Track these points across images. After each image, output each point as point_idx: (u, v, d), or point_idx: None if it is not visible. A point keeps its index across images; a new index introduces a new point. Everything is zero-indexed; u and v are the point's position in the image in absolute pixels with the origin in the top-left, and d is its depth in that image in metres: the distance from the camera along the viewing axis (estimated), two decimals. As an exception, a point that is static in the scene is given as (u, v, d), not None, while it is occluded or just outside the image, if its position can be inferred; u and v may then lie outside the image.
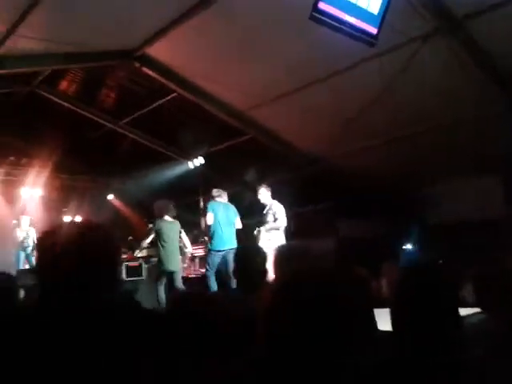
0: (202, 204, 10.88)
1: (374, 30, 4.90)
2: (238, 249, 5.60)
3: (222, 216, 7.59)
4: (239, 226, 7.75)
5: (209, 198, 9.10)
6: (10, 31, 5.91)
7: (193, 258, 11.18)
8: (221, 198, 7.89)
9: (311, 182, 9.38)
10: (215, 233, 7.52)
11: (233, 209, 7.87)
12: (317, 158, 9.33)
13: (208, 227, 7.69)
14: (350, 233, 9.56)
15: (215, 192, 7.94)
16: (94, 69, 8.18)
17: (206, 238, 10.31)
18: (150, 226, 8.36)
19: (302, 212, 10.51)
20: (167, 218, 7.87)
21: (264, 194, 7.89)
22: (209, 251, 7.78)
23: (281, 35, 6.19)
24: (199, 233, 11.42)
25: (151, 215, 8.97)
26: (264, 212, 7.80)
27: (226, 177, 11.62)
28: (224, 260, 7.34)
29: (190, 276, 10.57)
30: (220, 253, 7.41)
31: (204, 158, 10.54)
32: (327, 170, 9.24)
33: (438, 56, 6.08)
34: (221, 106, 8.68)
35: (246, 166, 11.34)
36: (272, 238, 7.39)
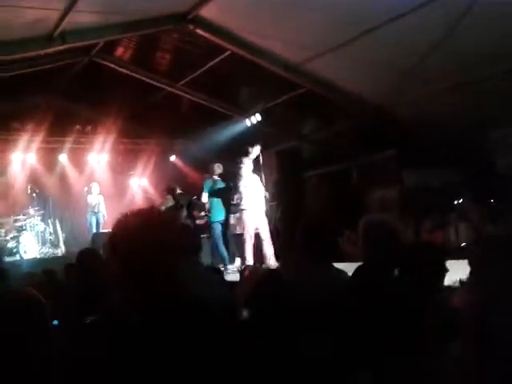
0: (261, 160, 10.95)
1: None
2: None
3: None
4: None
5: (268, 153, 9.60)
6: (69, 7, 6.06)
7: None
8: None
9: (373, 132, 9.22)
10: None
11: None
12: (378, 107, 9.11)
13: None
14: (415, 183, 9.38)
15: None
16: (148, 34, 8.25)
17: (267, 194, 10.52)
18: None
19: (364, 163, 10.41)
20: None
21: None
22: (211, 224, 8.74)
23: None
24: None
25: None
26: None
27: (283, 132, 11.63)
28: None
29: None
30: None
31: (261, 115, 10.53)
32: (389, 119, 9.03)
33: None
34: (276, 61, 8.59)
35: (303, 119, 11.28)
36: None
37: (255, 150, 8.45)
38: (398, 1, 5.96)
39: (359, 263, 2.77)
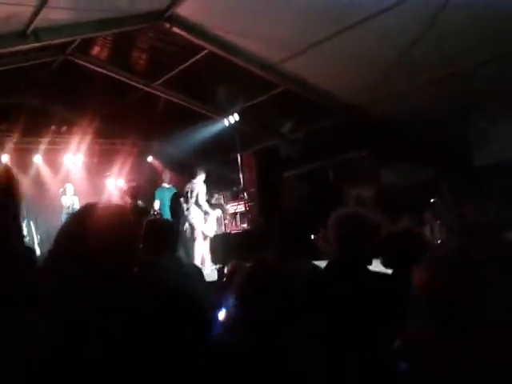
0: (239, 160, 10.96)
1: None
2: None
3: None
4: None
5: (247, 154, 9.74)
6: (42, 4, 5.95)
7: (234, 214, 11.40)
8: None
9: (349, 130, 9.29)
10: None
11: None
12: (355, 105, 9.18)
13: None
14: (391, 181, 9.48)
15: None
16: (124, 32, 8.17)
17: (246, 195, 10.54)
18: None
19: (341, 161, 10.48)
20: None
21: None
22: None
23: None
24: (238, 189, 11.57)
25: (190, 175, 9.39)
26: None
27: (261, 131, 11.64)
28: None
29: (232, 231, 10.82)
30: None
31: (239, 114, 10.52)
32: (364, 117, 9.11)
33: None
34: (253, 60, 8.60)
35: (281, 118, 11.32)
36: None
37: (200, 176, 8.80)
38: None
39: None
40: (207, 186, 9.05)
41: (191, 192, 8.61)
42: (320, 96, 9.37)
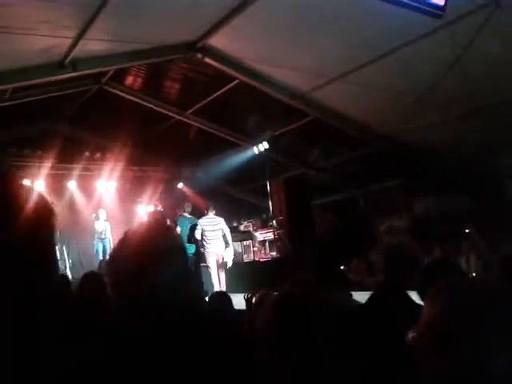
0: (268, 188, 10.98)
1: (441, 1, 4.74)
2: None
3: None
4: None
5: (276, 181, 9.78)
6: (80, 35, 6.17)
7: (263, 241, 11.36)
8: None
9: (382, 160, 9.21)
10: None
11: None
12: (386, 135, 9.13)
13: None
14: (425, 211, 9.32)
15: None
16: (157, 63, 8.38)
17: (275, 223, 10.52)
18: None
19: (373, 191, 10.38)
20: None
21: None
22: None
23: (340, 12, 6.08)
24: (267, 217, 11.56)
25: (221, 201, 9.52)
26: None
27: (291, 159, 11.67)
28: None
29: (261, 259, 10.77)
30: None
31: (268, 142, 10.58)
32: (398, 147, 9.03)
33: None
34: (283, 89, 8.67)
35: (311, 147, 11.33)
36: None
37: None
38: (405, 28, 6.00)
39: (367, 292, 2.71)
40: (237, 214, 9.20)
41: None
42: (350, 125, 9.36)
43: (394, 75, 7.19)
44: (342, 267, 3.28)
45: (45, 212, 0.98)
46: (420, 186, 9.04)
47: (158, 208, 11.06)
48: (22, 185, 0.99)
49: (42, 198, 1.00)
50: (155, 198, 12.67)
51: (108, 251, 11.04)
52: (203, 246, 9.07)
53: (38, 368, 0.90)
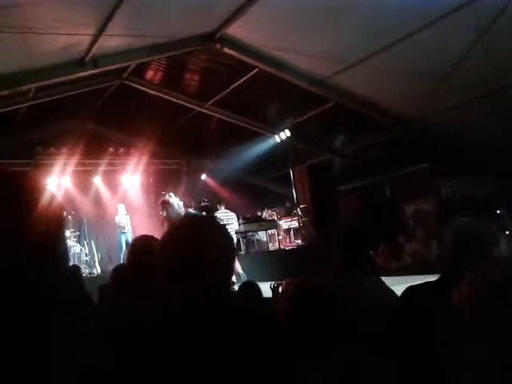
0: (292, 176, 10.95)
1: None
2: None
3: None
4: None
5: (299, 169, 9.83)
6: (99, 32, 6.22)
7: (288, 230, 11.37)
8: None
9: (406, 144, 9.08)
10: None
11: None
12: (409, 118, 9.00)
13: None
14: (451, 194, 9.18)
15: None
16: (176, 55, 8.40)
17: (299, 210, 10.52)
18: None
19: (398, 175, 10.27)
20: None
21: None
22: None
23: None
24: (291, 205, 11.55)
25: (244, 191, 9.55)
26: None
27: (313, 146, 11.61)
28: None
29: (286, 247, 10.78)
30: None
31: (290, 130, 10.54)
32: (421, 130, 8.89)
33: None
34: (302, 76, 8.62)
35: (333, 133, 11.23)
36: None
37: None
38: (425, 8, 5.89)
39: (391, 277, 2.65)
40: (261, 203, 9.27)
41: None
42: (372, 109, 9.25)
43: (414, 58, 7.06)
44: (370, 252, 3.22)
45: (54, 213, 1.01)
46: (445, 168, 8.89)
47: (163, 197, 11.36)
48: (35, 186, 1.02)
49: (53, 198, 1.03)
50: (180, 191, 12.77)
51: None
52: None
53: (50, 366, 0.92)
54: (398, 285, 3.03)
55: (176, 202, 11.07)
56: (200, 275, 1.37)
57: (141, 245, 2.46)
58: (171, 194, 11.07)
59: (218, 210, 10.03)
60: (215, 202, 11.60)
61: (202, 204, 11.20)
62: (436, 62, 7.04)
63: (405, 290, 2.46)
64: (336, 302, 2.05)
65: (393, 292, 2.76)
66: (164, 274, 1.41)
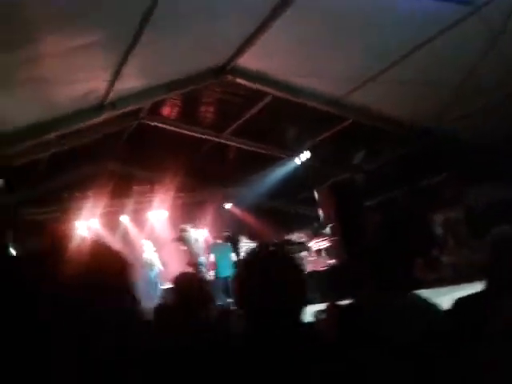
0: (316, 196, 10.94)
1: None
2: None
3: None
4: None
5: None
6: (115, 76, 6.39)
7: (319, 251, 11.29)
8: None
9: (427, 154, 9.01)
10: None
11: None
12: (427, 129, 8.94)
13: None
14: (478, 200, 9.02)
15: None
16: (190, 90, 8.55)
17: (328, 230, 10.46)
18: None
19: (421, 187, 10.15)
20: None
21: None
22: None
23: (367, 14, 6.04)
24: (319, 225, 11.49)
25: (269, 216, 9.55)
26: None
27: (334, 165, 11.59)
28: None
29: (320, 269, 10.68)
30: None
31: (310, 151, 10.56)
32: (441, 139, 8.82)
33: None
34: (317, 98, 8.65)
35: (352, 150, 11.22)
36: None
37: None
38: (435, 19, 5.89)
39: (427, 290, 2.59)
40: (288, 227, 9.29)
41: None
42: (389, 123, 9.22)
43: (427, 68, 7.05)
44: (404, 268, 3.15)
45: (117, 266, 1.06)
46: (469, 175, 8.77)
47: (225, 231, 11.79)
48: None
49: (114, 253, 1.07)
50: (207, 222, 12.86)
51: (158, 280, 11.33)
52: None
53: None
54: (439, 297, 2.98)
55: (193, 234, 11.34)
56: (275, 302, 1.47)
57: (183, 284, 2.51)
58: (186, 227, 11.31)
59: (240, 240, 10.20)
60: (238, 231, 11.75)
61: (224, 234, 11.40)
62: (449, 70, 7.02)
63: (454, 303, 2.40)
64: (383, 322, 2.03)
65: (436, 305, 2.70)
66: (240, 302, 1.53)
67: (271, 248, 1.63)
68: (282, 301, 1.47)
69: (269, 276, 1.48)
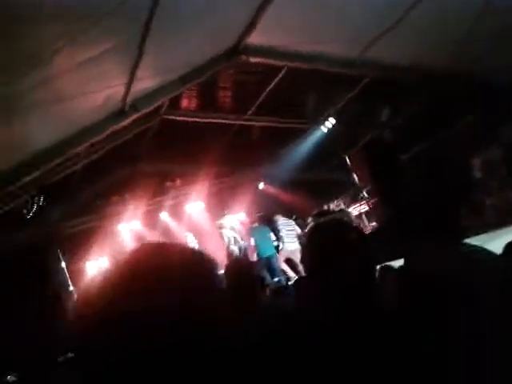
0: (348, 161, 10.84)
1: None
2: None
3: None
4: None
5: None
6: (131, 79, 6.42)
7: (359, 215, 11.24)
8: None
9: (453, 101, 8.78)
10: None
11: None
12: (449, 74, 8.69)
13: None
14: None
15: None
16: (205, 78, 8.50)
17: (365, 193, 10.37)
18: None
19: (454, 133, 9.93)
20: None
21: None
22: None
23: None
24: (356, 190, 11.41)
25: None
26: None
27: (361, 127, 11.43)
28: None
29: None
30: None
31: (334, 117, 10.43)
32: (463, 82, 8.57)
33: None
34: (332, 62, 8.51)
35: (376, 108, 11.03)
36: None
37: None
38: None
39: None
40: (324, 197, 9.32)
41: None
42: (409, 75, 9.01)
43: (438, 13, 6.83)
44: (448, 217, 3.08)
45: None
46: (500, 115, 8.52)
47: (258, 213, 12.09)
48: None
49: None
50: (242, 206, 12.93)
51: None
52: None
53: None
54: (489, 242, 2.92)
55: (229, 221, 11.75)
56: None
57: (234, 271, 2.56)
58: (222, 223, 11.66)
59: (276, 219, 10.27)
60: (274, 209, 11.84)
61: (258, 215, 11.74)
62: (460, 11, 6.79)
63: (505, 247, 2.35)
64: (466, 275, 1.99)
65: (491, 251, 2.62)
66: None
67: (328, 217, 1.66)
68: (357, 263, 1.51)
69: (343, 240, 1.51)
